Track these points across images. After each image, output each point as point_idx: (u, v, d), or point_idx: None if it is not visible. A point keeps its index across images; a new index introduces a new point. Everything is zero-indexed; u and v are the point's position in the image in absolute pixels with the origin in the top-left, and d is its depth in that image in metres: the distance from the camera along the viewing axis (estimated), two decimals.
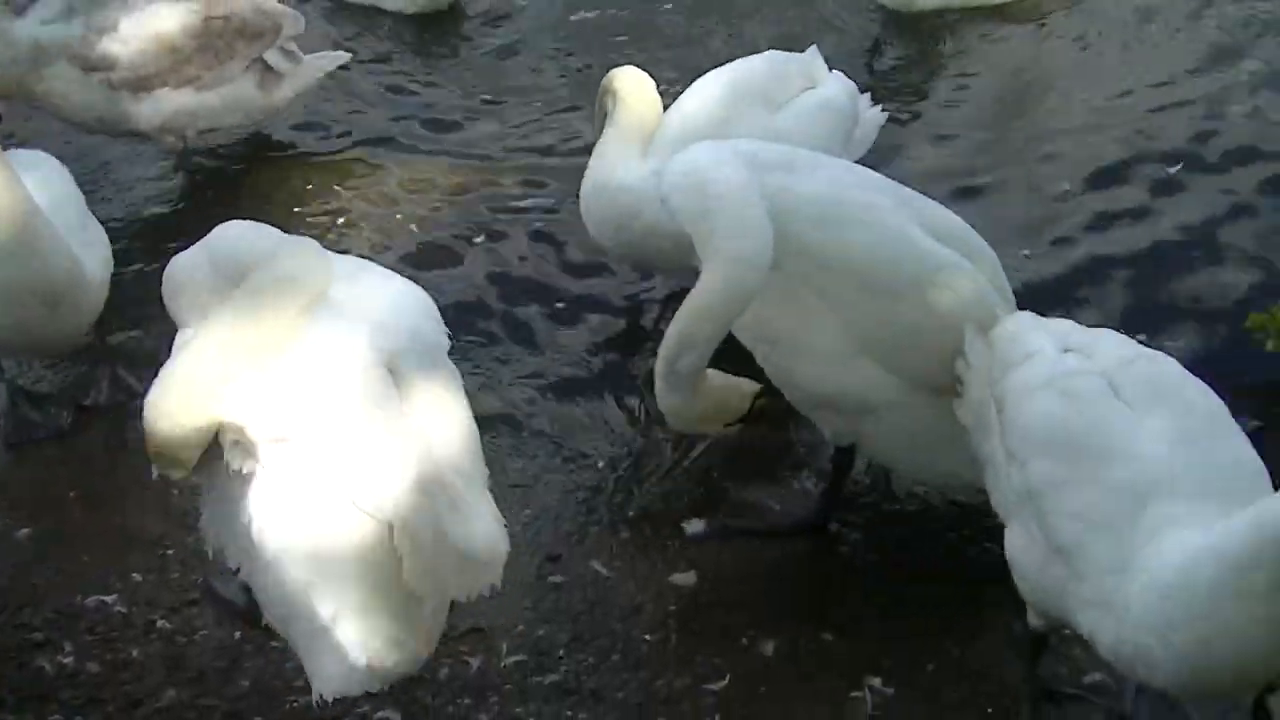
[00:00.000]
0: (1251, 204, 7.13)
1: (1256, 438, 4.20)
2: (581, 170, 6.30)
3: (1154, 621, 3.83)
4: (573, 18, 9.23)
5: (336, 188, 7.49)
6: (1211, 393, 4.30)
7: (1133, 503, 3.96)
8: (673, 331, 4.88)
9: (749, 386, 5.18)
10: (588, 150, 6.35)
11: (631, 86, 6.19)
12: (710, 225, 4.80)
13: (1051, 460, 4.18)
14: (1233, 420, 4.23)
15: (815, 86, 6.43)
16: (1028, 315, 4.79)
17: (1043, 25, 8.93)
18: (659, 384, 4.99)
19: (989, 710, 4.71)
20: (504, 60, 8.83)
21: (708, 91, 6.28)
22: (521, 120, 8.15)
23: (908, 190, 5.19)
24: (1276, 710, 3.87)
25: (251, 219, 4.42)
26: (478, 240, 7.10)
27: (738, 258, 4.77)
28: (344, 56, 7.87)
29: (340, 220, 7.22)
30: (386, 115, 8.21)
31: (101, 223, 5.88)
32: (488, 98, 8.37)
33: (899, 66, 8.60)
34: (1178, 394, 4.24)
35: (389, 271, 4.42)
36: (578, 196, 6.31)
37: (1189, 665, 3.82)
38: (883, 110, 6.85)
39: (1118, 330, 4.74)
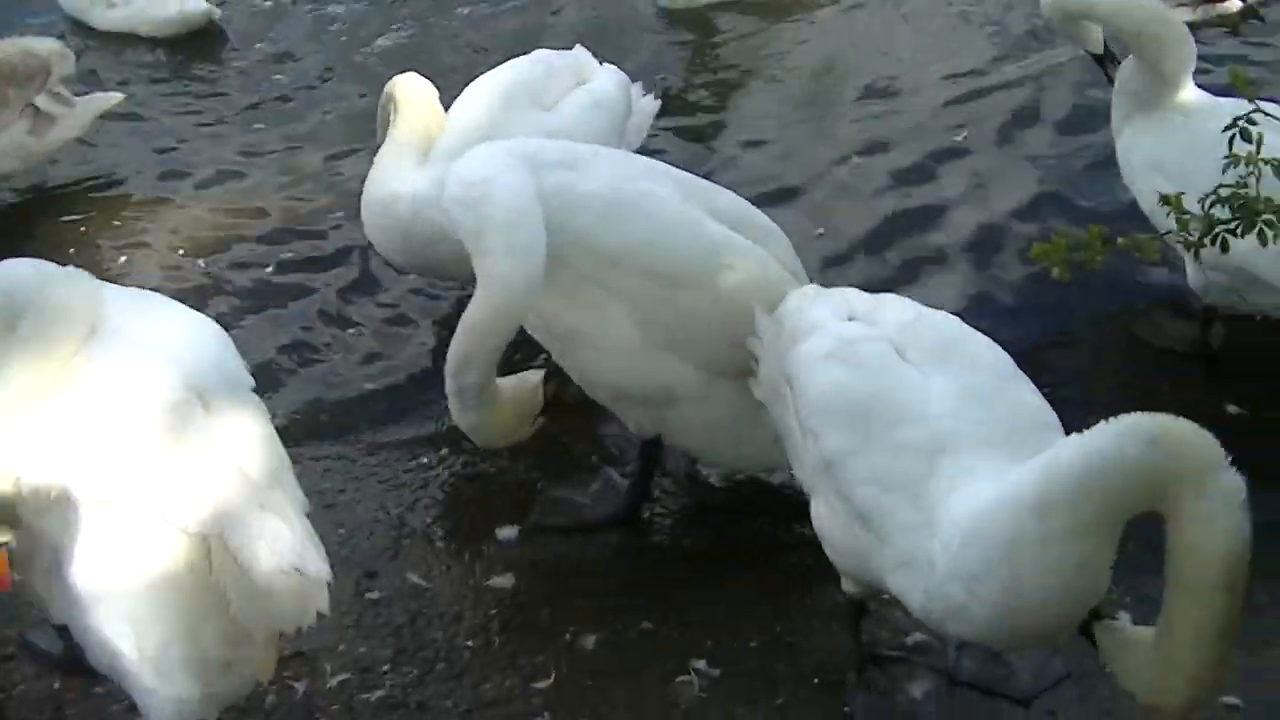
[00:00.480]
0: (1059, 184, 7.37)
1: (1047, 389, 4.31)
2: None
3: (958, 574, 3.89)
4: (355, 55, 9.21)
5: (116, 229, 7.39)
6: (996, 346, 4.39)
7: (926, 461, 4.02)
8: (452, 352, 4.89)
9: (535, 377, 5.21)
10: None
11: (410, 93, 6.15)
12: (482, 245, 4.81)
13: (842, 429, 4.23)
14: (1019, 372, 4.32)
15: (586, 82, 6.45)
16: (812, 288, 4.85)
17: (845, 15, 9.12)
18: (452, 404, 5.00)
19: (815, 680, 4.77)
20: (285, 95, 8.77)
21: (480, 97, 6.25)
22: (307, 156, 8.11)
23: (690, 177, 5.24)
24: (1101, 640, 3.93)
25: None
26: (268, 273, 7.08)
27: (506, 281, 4.77)
28: (116, 97, 7.74)
29: (122, 259, 7.13)
30: (162, 155, 8.12)
31: None
32: (264, 127, 8.35)
33: (696, 65, 8.67)
34: (962, 350, 4.33)
35: (185, 307, 4.40)
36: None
37: (996, 614, 3.88)
38: (655, 99, 6.90)
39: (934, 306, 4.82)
